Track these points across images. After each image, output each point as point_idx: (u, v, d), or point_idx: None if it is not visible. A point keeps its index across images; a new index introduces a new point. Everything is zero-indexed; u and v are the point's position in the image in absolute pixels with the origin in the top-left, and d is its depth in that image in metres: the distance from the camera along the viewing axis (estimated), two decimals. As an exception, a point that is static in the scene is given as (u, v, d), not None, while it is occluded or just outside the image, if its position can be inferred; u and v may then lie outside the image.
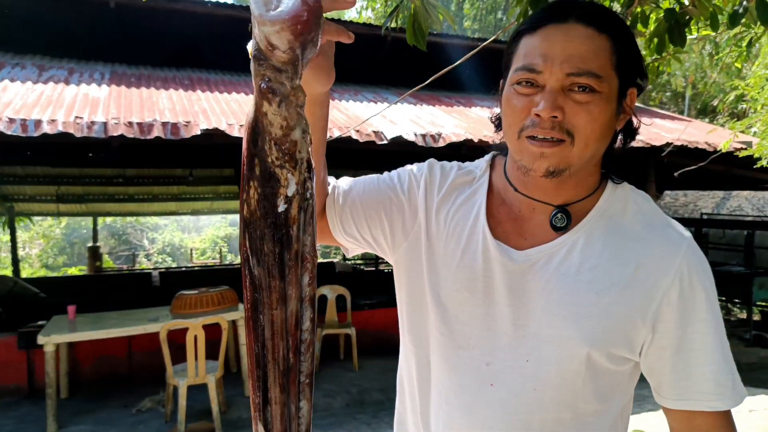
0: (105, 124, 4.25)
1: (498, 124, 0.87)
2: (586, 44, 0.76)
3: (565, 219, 0.82)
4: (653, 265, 0.79)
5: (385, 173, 0.97)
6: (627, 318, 0.79)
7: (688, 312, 0.79)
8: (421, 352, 0.92)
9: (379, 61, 7.03)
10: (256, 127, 0.49)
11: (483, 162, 0.95)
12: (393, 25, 1.69)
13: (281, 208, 0.49)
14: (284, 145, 0.48)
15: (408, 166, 0.97)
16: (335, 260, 12.29)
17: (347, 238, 0.94)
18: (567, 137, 0.76)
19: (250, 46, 0.51)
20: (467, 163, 0.97)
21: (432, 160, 0.97)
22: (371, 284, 8.08)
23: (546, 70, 0.76)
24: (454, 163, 0.97)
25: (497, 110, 0.87)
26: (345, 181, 0.97)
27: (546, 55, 0.76)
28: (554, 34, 0.77)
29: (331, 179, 0.96)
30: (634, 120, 0.85)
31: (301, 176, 0.49)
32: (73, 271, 15.40)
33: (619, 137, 0.86)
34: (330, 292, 5.83)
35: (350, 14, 17.49)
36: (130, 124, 4.34)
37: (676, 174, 4.79)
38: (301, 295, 0.51)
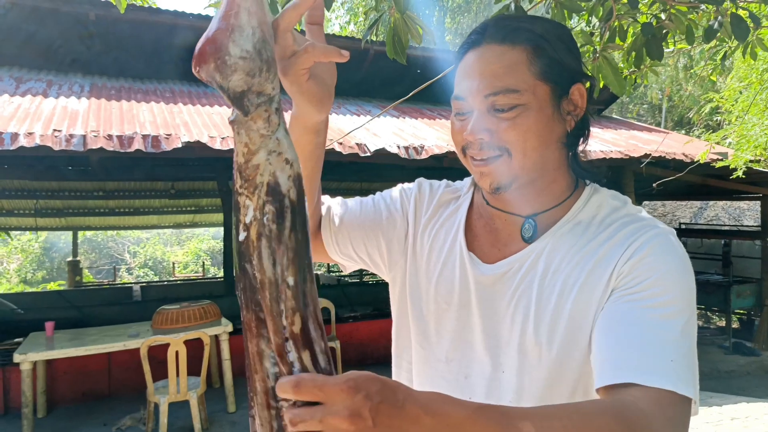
0: (84, 137, 4.20)
1: None
2: (498, 62, 0.77)
3: (532, 229, 0.83)
4: (610, 252, 0.76)
5: (377, 194, 1.00)
6: (588, 314, 0.76)
7: (638, 284, 0.72)
8: (405, 365, 0.94)
9: (361, 74, 7.07)
10: (233, 160, 0.50)
11: (469, 179, 0.97)
12: (373, 38, 1.70)
13: (241, 236, 0.48)
14: (246, 171, 0.48)
15: (399, 186, 1.00)
16: (319, 272, 12.23)
17: (343, 257, 0.96)
18: (502, 153, 0.78)
19: None
20: (456, 182, 0.99)
21: (421, 179, 1.00)
22: (355, 297, 8.05)
23: (468, 96, 0.79)
24: (443, 181, 1.00)
25: None
26: (338, 202, 0.98)
27: (466, 82, 0.79)
28: (471, 60, 0.80)
29: (325, 198, 0.98)
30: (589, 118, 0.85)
31: (259, 201, 0.47)
32: (52, 286, 15.08)
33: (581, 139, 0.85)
34: (314, 305, 5.78)
35: (334, 28, 17.61)
36: (110, 137, 4.29)
37: (654, 185, 4.87)
38: (279, 328, 0.49)
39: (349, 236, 0.94)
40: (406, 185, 1.00)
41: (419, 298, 0.90)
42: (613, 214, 0.82)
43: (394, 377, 0.99)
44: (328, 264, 9.03)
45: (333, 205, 0.97)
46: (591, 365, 0.74)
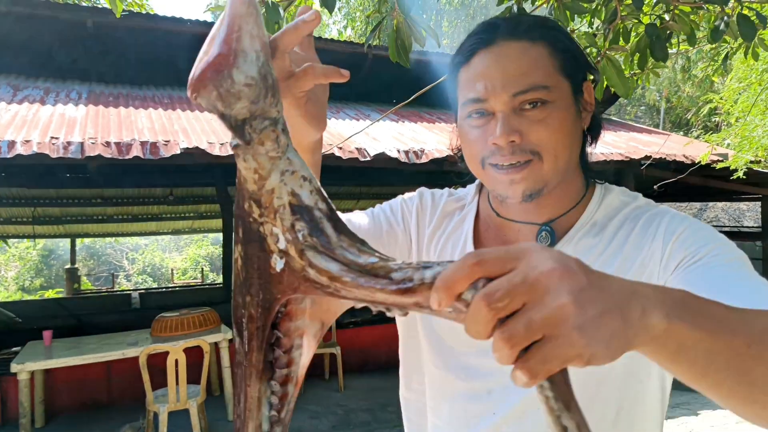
0: (82, 144, 4.17)
1: (461, 156, 0.85)
2: (522, 59, 0.74)
3: (549, 237, 0.80)
4: (634, 247, 0.75)
5: (377, 206, 0.96)
6: None
7: (697, 252, 0.69)
8: (415, 386, 0.90)
9: (360, 79, 7.06)
10: (238, 187, 0.46)
11: (473, 187, 0.93)
12: (375, 42, 1.67)
13: (279, 266, 0.44)
14: (261, 198, 0.44)
15: (400, 197, 0.96)
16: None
17: None
18: (533, 156, 0.73)
19: None
20: (459, 189, 0.95)
21: (423, 188, 0.96)
22: (356, 302, 8.01)
23: (490, 96, 0.74)
24: (445, 190, 0.96)
25: (455, 142, 0.85)
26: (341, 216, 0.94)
27: (486, 82, 0.74)
28: (487, 59, 0.75)
29: None
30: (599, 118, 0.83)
31: (285, 223, 0.44)
32: (50, 293, 15.03)
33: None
34: (314, 310, 5.75)
35: (332, 32, 17.62)
36: (108, 144, 4.26)
37: (655, 187, 4.85)
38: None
39: None
40: (407, 196, 0.96)
41: (431, 317, 0.86)
42: (625, 209, 0.80)
43: (402, 399, 0.95)
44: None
45: None
46: (626, 367, 0.73)
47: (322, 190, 0.45)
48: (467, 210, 0.90)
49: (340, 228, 0.43)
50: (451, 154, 0.88)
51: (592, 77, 0.82)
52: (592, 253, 0.77)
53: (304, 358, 0.49)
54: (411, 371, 0.91)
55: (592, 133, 0.83)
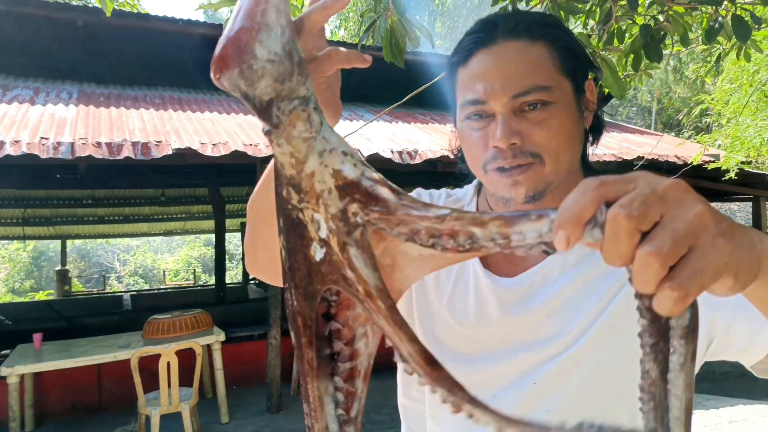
0: (72, 144, 4.13)
1: (461, 157, 0.83)
2: (521, 59, 0.72)
3: None
4: None
5: None
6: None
7: None
8: (415, 395, 0.89)
9: (353, 79, 7.04)
10: (276, 174, 0.43)
11: (471, 188, 0.92)
12: (368, 42, 1.66)
13: (318, 255, 0.41)
14: (301, 183, 0.41)
15: None
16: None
17: None
18: (534, 159, 0.72)
19: None
20: (456, 190, 0.93)
21: (420, 189, 0.94)
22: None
23: (490, 98, 0.72)
24: (443, 190, 0.94)
25: (454, 143, 0.83)
26: None
27: (485, 84, 0.72)
28: (486, 59, 0.73)
29: None
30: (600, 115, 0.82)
31: (330, 208, 0.41)
32: (40, 295, 14.90)
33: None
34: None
35: (325, 32, 17.59)
36: (99, 144, 4.22)
37: (648, 187, 4.86)
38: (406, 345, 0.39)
39: None
40: None
41: (430, 319, 0.84)
42: None
43: (401, 407, 0.93)
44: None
45: None
46: (630, 363, 0.71)
47: (365, 162, 0.42)
48: None
49: (397, 190, 0.40)
50: (445, 154, 0.86)
51: (593, 75, 0.80)
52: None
53: (370, 347, 0.45)
54: (410, 379, 0.89)
55: (594, 132, 0.82)
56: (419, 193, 0.94)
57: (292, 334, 0.43)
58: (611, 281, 0.74)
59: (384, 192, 0.40)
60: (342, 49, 0.55)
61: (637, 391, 0.72)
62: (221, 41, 0.41)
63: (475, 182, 0.91)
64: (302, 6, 1.66)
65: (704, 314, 0.66)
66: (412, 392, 0.90)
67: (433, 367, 0.37)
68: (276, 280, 0.73)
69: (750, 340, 0.68)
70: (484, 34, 0.75)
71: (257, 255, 0.76)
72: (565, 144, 0.73)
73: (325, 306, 0.43)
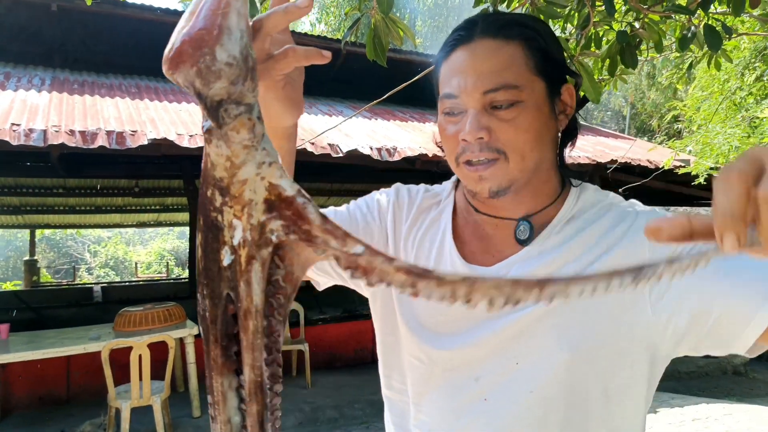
0: (45, 132, 4.04)
1: (442, 149, 0.86)
2: (495, 57, 0.74)
3: (527, 230, 0.81)
4: (612, 237, 0.77)
5: (353, 202, 0.95)
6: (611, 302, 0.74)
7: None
8: (396, 385, 0.90)
9: (333, 74, 7.02)
10: (204, 173, 0.43)
11: (449, 183, 0.94)
12: (351, 38, 1.67)
13: (226, 260, 0.42)
14: (231, 186, 0.41)
15: (375, 193, 0.95)
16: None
17: (318, 272, 0.91)
18: (499, 155, 0.74)
19: None
20: (435, 186, 0.95)
21: (398, 184, 0.96)
22: (324, 299, 7.99)
23: (462, 93, 0.75)
24: (421, 186, 0.96)
25: (438, 137, 0.86)
26: None
27: (459, 79, 0.75)
28: (463, 56, 0.76)
29: None
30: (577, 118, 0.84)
31: (251, 220, 0.41)
32: (7, 286, 14.51)
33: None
34: (282, 307, 5.70)
35: (304, 26, 17.48)
36: (72, 132, 4.13)
37: (620, 190, 4.97)
38: (257, 363, 0.42)
39: None
40: (383, 192, 0.95)
41: (412, 310, 0.85)
42: (602, 201, 0.83)
43: (385, 398, 0.95)
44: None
45: None
46: (618, 345, 0.74)
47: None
48: (444, 205, 0.90)
49: (323, 215, 0.41)
50: (424, 152, 0.88)
51: (574, 81, 0.82)
52: (573, 243, 0.78)
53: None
54: (391, 369, 0.91)
55: (567, 136, 0.84)
56: (398, 188, 0.95)
57: (201, 330, 0.45)
58: (585, 262, 0.77)
59: (312, 214, 0.40)
60: (299, 47, 0.56)
61: (620, 369, 0.73)
62: (178, 37, 0.42)
63: (454, 177, 0.93)
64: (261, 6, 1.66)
65: (698, 307, 0.69)
66: (393, 383, 0.91)
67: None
68: None
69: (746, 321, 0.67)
70: (464, 31, 0.78)
71: None
72: (532, 143, 0.75)
73: (233, 307, 0.44)
